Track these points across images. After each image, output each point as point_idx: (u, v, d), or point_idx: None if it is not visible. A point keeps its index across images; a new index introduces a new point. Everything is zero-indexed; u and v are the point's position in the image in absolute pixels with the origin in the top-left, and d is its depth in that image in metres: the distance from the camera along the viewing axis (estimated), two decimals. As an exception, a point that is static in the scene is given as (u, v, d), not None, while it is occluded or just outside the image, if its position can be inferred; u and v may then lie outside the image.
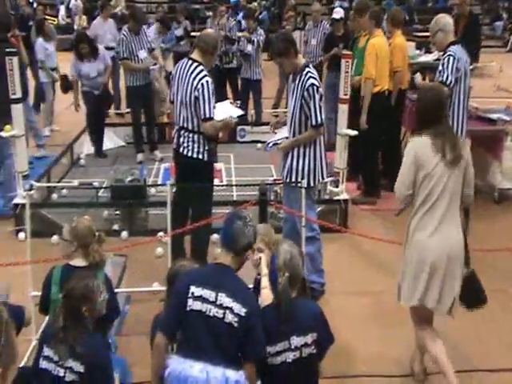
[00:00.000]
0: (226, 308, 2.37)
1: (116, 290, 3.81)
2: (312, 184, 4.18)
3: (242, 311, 2.36)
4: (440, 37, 4.87)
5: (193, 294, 2.40)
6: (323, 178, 4.30)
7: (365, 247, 5.08)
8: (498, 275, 4.49)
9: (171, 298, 2.56)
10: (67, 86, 7.63)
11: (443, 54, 4.86)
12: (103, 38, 8.90)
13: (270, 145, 4.35)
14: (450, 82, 4.71)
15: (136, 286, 4.24)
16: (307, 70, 4.02)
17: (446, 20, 4.90)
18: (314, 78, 3.99)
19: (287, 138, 4.20)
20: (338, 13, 7.84)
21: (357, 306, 4.26)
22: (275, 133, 4.44)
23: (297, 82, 4.05)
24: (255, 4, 18.19)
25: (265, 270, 2.80)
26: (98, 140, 7.45)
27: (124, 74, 7.57)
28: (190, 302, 2.39)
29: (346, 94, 5.47)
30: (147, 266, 4.49)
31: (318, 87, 3.99)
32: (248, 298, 2.46)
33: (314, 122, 4.01)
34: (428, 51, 7.83)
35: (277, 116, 8.87)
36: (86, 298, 2.47)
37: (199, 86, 4.05)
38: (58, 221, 5.05)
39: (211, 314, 2.37)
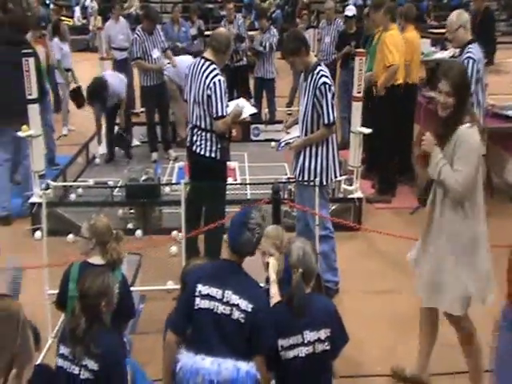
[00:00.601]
0: (233, 305, 2.39)
1: (131, 289, 3.84)
2: (325, 182, 4.17)
3: (249, 307, 2.39)
4: (461, 33, 4.81)
5: (200, 292, 2.42)
6: (336, 177, 4.29)
7: (379, 246, 5.06)
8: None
9: (180, 297, 2.59)
10: (80, 102, 7.63)
11: (460, 53, 4.80)
12: (115, 39, 8.97)
13: (282, 144, 4.34)
14: (473, 92, 4.62)
15: (150, 285, 4.26)
16: (319, 68, 4.01)
17: (466, 16, 4.84)
18: (326, 77, 3.97)
19: (299, 137, 4.19)
20: (351, 10, 7.81)
21: (371, 305, 4.23)
22: (288, 133, 4.44)
23: (309, 80, 4.04)
24: (269, 2, 18.18)
25: (273, 276, 2.78)
26: (109, 144, 7.39)
27: (138, 74, 7.60)
28: (197, 300, 2.42)
29: (359, 92, 5.44)
30: (161, 265, 4.51)
31: (330, 85, 3.97)
32: (255, 294, 2.47)
33: (326, 121, 4.00)
34: (443, 48, 7.76)
35: (290, 114, 8.87)
36: (102, 293, 2.49)
37: (211, 84, 4.07)
38: (73, 220, 5.10)
39: (219, 312, 2.40)
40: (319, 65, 4.06)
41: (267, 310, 2.48)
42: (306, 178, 4.15)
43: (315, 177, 4.10)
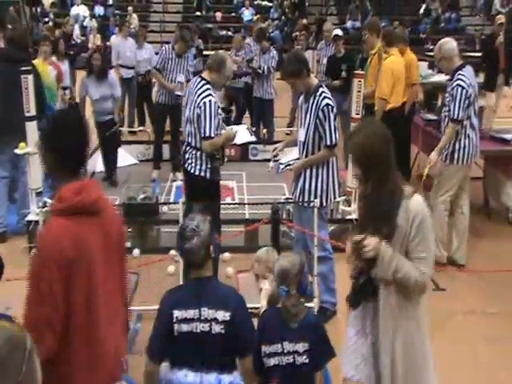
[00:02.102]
0: (211, 320, 2.43)
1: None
2: (324, 203, 4.16)
3: (227, 315, 2.43)
4: (444, 64, 4.92)
5: (177, 318, 2.46)
6: (335, 198, 4.29)
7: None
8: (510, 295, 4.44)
9: (156, 325, 2.57)
10: None
11: (451, 78, 4.86)
12: (123, 56, 9.07)
13: (282, 167, 4.31)
14: (462, 119, 4.75)
15: (147, 304, 4.22)
16: (321, 90, 4.02)
17: (448, 46, 4.87)
18: (329, 98, 3.98)
19: (298, 158, 4.19)
20: (337, 31, 8.03)
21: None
22: (276, 156, 4.36)
23: (310, 102, 4.03)
24: (267, 23, 18.41)
25: (263, 302, 2.78)
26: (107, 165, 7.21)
27: (155, 91, 7.64)
28: (176, 326, 2.46)
29: (357, 114, 5.48)
30: (159, 284, 4.47)
31: (332, 107, 3.97)
32: (229, 299, 2.50)
33: (328, 142, 3.99)
34: (440, 71, 7.83)
35: (289, 134, 8.90)
36: None
37: (201, 104, 4.12)
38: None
39: (198, 331, 2.44)
40: (321, 86, 4.07)
41: (243, 309, 2.53)
42: (305, 199, 4.14)
43: (315, 198, 4.09)
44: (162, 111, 7.17)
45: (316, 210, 4.06)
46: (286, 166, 4.28)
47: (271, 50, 8.48)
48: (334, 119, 4.00)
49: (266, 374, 2.55)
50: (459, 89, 4.71)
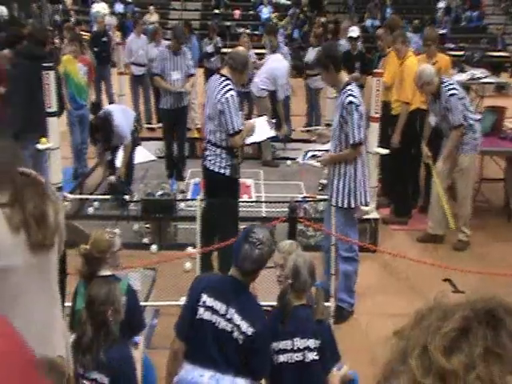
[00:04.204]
0: (235, 324, 2.40)
1: (145, 304, 3.84)
2: (353, 205, 4.09)
3: (250, 331, 2.39)
4: (427, 89, 5.15)
5: (204, 302, 2.44)
6: (366, 202, 4.17)
7: (395, 267, 5.01)
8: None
9: (185, 303, 2.61)
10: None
11: (437, 96, 5.11)
12: (135, 54, 9.09)
13: (308, 155, 4.34)
14: (460, 123, 5.07)
15: (164, 300, 4.25)
16: (348, 87, 3.96)
17: (427, 72, 5.13)
18: (354, 96, 3.91)
19: (327, 151, 4.19)
20: (355, 31, 7.87)
21: (385, 328, 4.18)
22: (324, 143, 4.45)
23: (339, 99, 4.03)
24: (285, 21, 18.36)
25: None
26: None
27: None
28: (200, 310, 2.44)
29: (377, 113, 5.44)
30: (175, 280, 4.50)
31: (357, 105, 3.90)
32: (257, 317, 2.47)
33: (351, 141, 3.94)
34: (461, 70, 7.75)
35: (309, 131, 8.86)
36: (109, 301, 2.49)
37: (223, 99, 4.10)
38: (90, 232, 5.12)
39: (220, 327, 2.42)
40: (349, 84, 4.00)
41: (267, 336, 2.48)
42: (334, 198, 4.10)
43: (343, 198, 4.05)
44: (168, 116, 6.81)
45: (342, 210, 4.03)
46: (312, 156, 4.28)
47: (280, 46, 8.37)
48: (360, 118, 3.94)
49: (274, 373, 2.53)
50: (452, 98, 5.01)
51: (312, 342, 2.51)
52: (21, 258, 1.87)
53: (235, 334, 2.39)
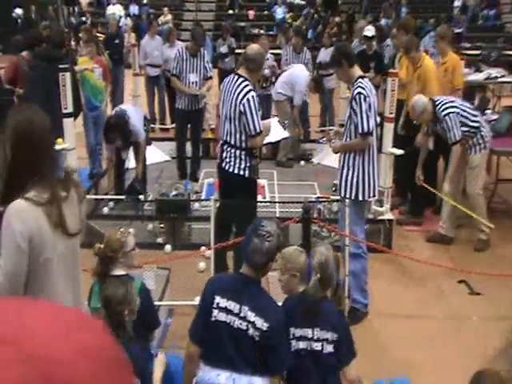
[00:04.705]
0: (249, 322, 2.42)
1: (159, 303, 3.86)
2: (361, 198, 4.11)
3: (265, 326, 2.40)
4: (425, 117, 5.22)
5: (218, 304, 2.45)
6: (374, 195, 4.23)
7: (409, 269, 4.97)
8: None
9: (199, 305, 2.62)
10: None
11: (437, 118, 5.17)
12: (150, 56, 9.14)
13: (325, 138, 4.39)
14: (460, 138, 5.10)
15: (178, 300, 4.27)
16: (359, 80, 4.04)
17: (420, 102, 5.20)
18: (362, 88, 3.98)
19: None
20: (370, 30, 7.81)
21: (398, 330, 4.16)
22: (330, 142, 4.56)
23: (350, 93, 4.15)
24: (300, 21, 18.33)
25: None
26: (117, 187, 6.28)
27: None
28: (215, 312, 2.45)
29: (391, 113, 5.41)
30: (189, 280, 4.51)
31: (365, 96, 3.96)
32: (271, 311, 2.49)
33: (360, 130, 4.00)
34: (478, 70, 7.67)
35: (323, 131, 8.85)
36: (126, 301, 2.51)
37: (245, 100, 4.08)
38: (105, 232, 5.17)
39: (235, 326, 2.43)
40: (361, 77, 4.07)
41: (282, 329, 2.50)
42: (343, 189, 4.14)
43: (351, 189, 4.08)
44: (182, 117, 6.76)
45: (351, 202, 4.04)
46: (328, 140, 4.33)
47: (304, 49, 8.42)
48: (369, 109, 3.98)
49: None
50: (448, 118, 5.08)
51: (330, 335, 2.54)
52: (59, 249, 2.08)
53: (250, 331, 2.41)
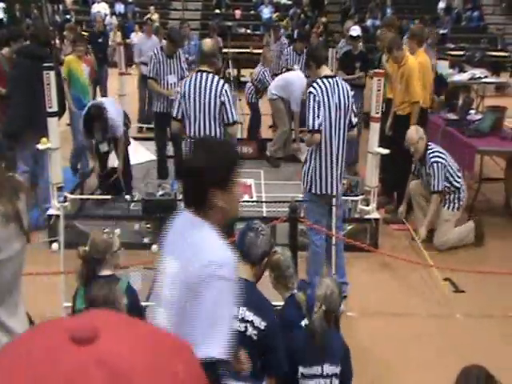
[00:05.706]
0: (248, 321, 2.44)
1: (146, 303, 3.84)
2: (314, 191, 4.26)
3: (262, 325, 2.44)
4: (421, 145, 5.33)
5: None
6: (331, 192, 4.28)
7: (395, 268, 5.01)
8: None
9: None
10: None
11: (424, 157, 5.33)
12: (145, 54, 9.09)
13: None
14: (442, 188, 5.28)
15: (165, 300, 4.25)
16: (316, 80, 4.22)
17: (412, 133, 5.33)
18: (314, 87, 4.17)
19: None
20: (355, 30, 7.86)
21: (384, 328, 4.19)
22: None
23: None
24: (286, 21, 18.34)
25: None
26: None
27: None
28: None
29: (377, 113, 5.44)
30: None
31: (314, 95, 4.13)
32: (267, 311, 2.53)
33: (307, 127, 4.21)
34: (461, 70, 7.76)
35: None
36: (110, 301, 2.50)
37: (223, 91, 4.43)
38: (90, 232, 5.13)
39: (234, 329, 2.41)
40: (325, 77, 4.20)
41: (278, 330, 2.53)
42: (303, 182, 4.37)
43: (306, 182, 4.29)
44: (162, 121, 6.42)
45: (307, 193, 4.28)
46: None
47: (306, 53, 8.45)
48: (318, 107, 4.09)
49: None
50: (435, 166, 5.24)
51: (338, 369, 2.58)
52: (14, 249, 1.94)
53: (249, 331, 2.43)
